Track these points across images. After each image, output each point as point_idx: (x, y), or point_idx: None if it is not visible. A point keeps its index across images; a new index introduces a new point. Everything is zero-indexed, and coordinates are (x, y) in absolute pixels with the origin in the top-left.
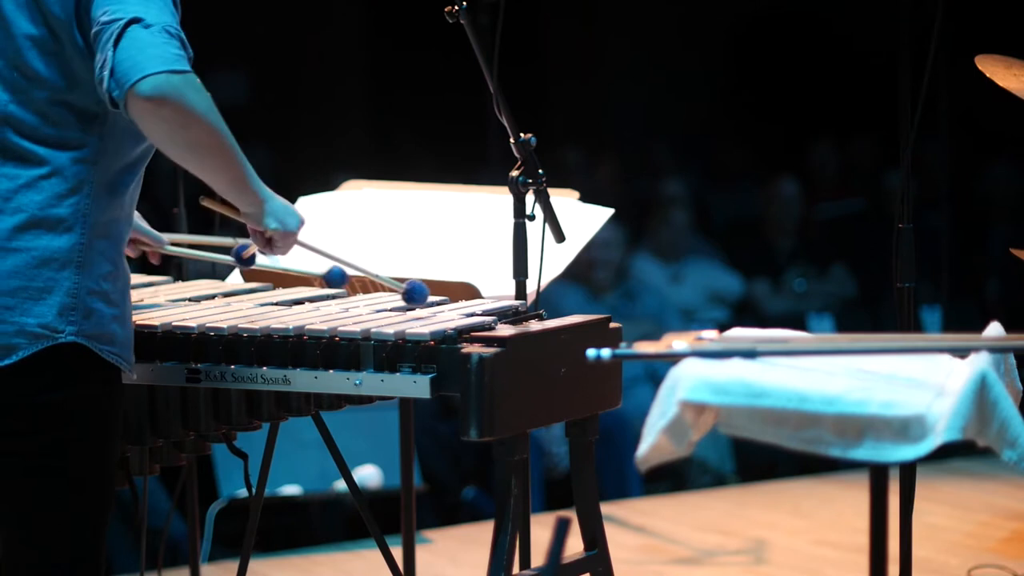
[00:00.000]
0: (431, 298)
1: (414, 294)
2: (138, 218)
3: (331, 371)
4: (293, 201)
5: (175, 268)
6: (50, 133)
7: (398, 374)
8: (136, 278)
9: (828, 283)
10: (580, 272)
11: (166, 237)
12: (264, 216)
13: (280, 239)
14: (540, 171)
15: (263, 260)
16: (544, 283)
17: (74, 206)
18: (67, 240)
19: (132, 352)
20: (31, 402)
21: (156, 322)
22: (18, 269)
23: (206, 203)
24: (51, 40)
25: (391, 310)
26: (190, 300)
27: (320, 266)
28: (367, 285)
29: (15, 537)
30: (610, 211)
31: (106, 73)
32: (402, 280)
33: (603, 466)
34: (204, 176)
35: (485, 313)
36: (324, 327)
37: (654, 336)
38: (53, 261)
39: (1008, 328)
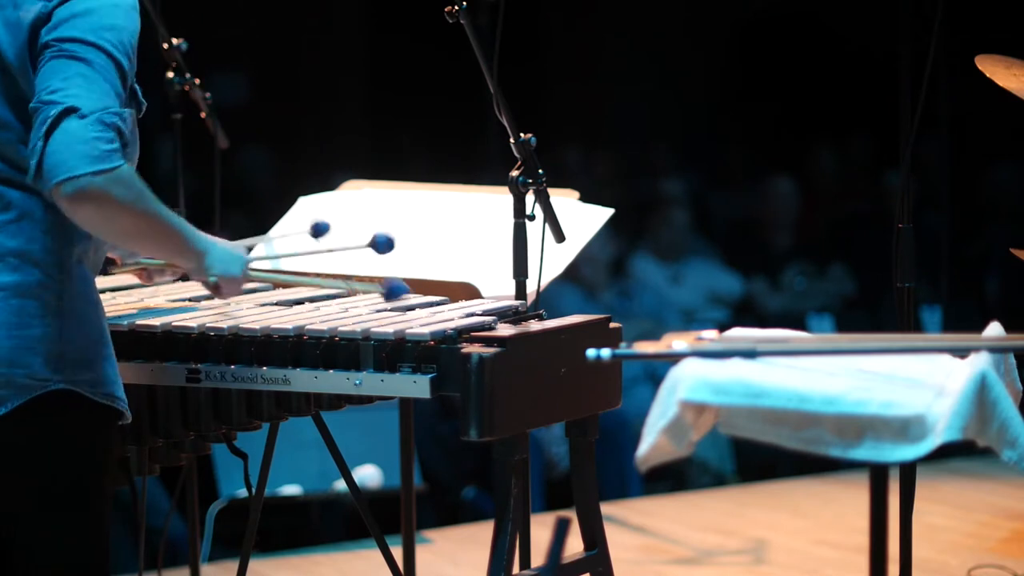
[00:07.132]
0: (431, 298)
1: (392, 293)
2: None
3: (331, 371)
4: (293, 201)
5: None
6: (20, 177)
7: (398, 374)
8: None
9: (827, 282)
10: (578, 272)
11: None
12: (206, 269)
13: (225, 284)
14: (540, 171)
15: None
16: (544, 283)
17: (47, 250)
18: (46, 288)
19: (122, 387)
20: (23, 447)
21: (156, 322)
22: None
23: (130, 272)
24: (12, 85)
25: (391, 310)
26: (190, 300)
27: (318, 267)
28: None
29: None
30: (610, 211)
31: (34, 162)
32: (348, 279)
33: (603, 466)
34: (140, 253)
35: (485, 313)
36: (324, 327)
37: (654, 336)
38: (34, 309)
39: (1008, 328)
